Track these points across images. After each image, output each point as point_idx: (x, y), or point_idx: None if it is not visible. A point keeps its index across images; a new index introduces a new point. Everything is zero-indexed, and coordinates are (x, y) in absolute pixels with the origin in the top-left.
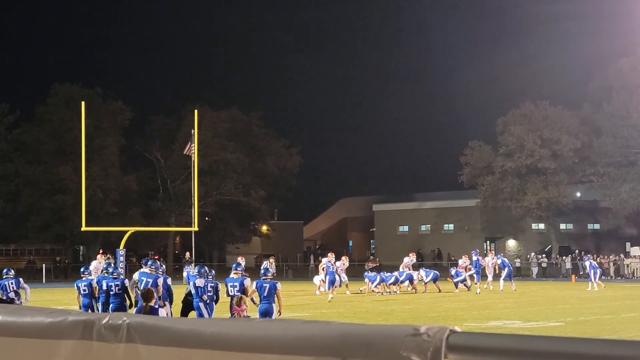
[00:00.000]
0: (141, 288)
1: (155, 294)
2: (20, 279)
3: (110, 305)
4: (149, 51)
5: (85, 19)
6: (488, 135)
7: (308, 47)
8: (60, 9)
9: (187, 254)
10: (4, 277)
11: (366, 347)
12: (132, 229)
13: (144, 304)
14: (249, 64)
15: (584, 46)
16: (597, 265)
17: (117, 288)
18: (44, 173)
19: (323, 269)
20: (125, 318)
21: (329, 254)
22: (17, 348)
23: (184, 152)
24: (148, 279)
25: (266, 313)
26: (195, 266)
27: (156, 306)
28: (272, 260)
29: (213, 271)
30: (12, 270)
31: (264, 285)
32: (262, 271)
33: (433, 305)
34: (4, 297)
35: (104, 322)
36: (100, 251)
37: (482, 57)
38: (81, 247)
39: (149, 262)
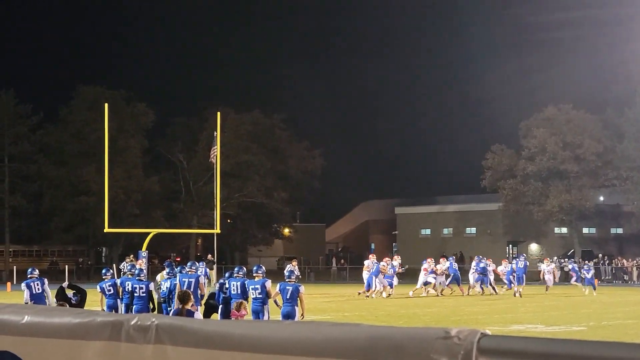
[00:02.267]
0: (183, 288)
1: (192, 297)
2: (45, 280)
3: (134, 307)
4: (173, 53)
5: (109, 21)
6: (510, 139)
7: (331, 50)
8: (85, 10)
9: (209, 255)
10: (29, 276)
11: (396, 350)
12: (154, 231)
13: (181, 306)
14: (271, 66)
15: (607, 51)
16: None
17: (141, 291)
18: (67, 174)
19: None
20: (154, 319)
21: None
22: (46, 349)
23: (209, 159)
24: (190, 280)
25: (289, 316)
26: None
27: (192, 309)
28: (294, 263)
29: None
30: (37, 270)
31: (287, 287)
32: (286, 274)
33: (455, 309)
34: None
35: (132, 323)
36: (131, 256)
37: (505, 61)
38: (104, 249)
39: (189, 263)
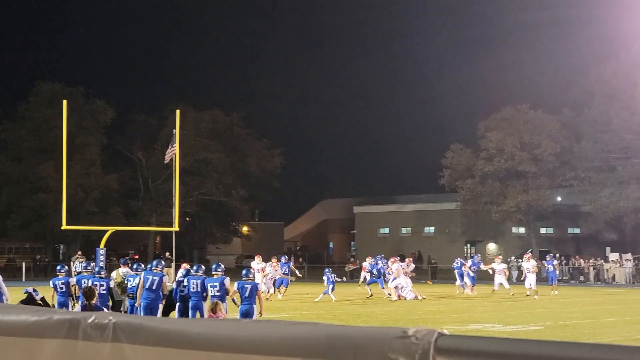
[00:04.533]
0: (147, 286)
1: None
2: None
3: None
4: (132, 50)
5: (68, 17)
6: (469, 138)
7: (291, 49)
8: (43, 7)
9: (167, 253)
10: None
11: (354, 349)
12: (112, 229)
13: (87, 302)
14: (231, 64)
15: (566, 52)
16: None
17: (102, 288)
18: (24, 171)
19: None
20: (111, 317)
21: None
22: (2, 347)
23: (165, 160)
24: (154, 278)
25: (247, 314)
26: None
27: (98, 304)
28: (257, 258)
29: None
30: None
31: (245, 286)
32: (244, 272)
33: (413, 308)
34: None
35: (89, 321)
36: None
37: (464, 62)
38: (61, 246)
39: (155, 262)
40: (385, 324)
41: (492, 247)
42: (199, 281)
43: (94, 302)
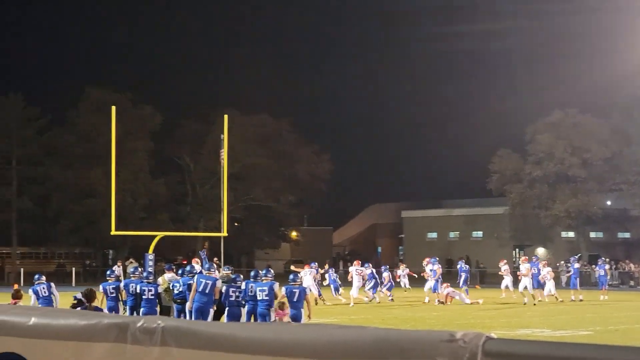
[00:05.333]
0: (199, 289)
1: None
2: (52, 284)
3: (142, 310)
4: (180, 55)
5: (116, 24)
6: (516, 143)
7: (338, 53)
8: (92, 13)
9: (215, 259)
10: (36, 282)
11: (401, 353)
12: (161, 234)
13: (87, 304)
14: (279, 69)
15: (614, 55)
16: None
17: (150, 293)
18: (74, 177)
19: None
20: (160, 322)
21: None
22: (52, 350)
23: (220, 161)
24: (207, 281)
25: (295, 318)
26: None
27: (99, 306)
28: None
29: (241, 276)
30: (44, 277)
31: (294, 290)
32: (291, 277)
33: (461, 313)
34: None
35: (138, 325)
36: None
37: (512, 65)
38: (110, 251)
39: (206, 266)
40: (433, 328)
41: (540, 251)
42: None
43: (95, 304)
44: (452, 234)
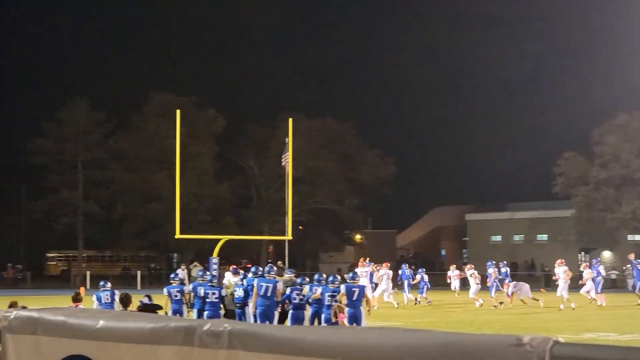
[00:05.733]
0: (261, 293)
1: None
2: (116, 291)
3: (206, 313)
4: (243, 59)
5: (180, 28)
6: (581, 145)
7: (401, 56)
8: (155, 17)
9: (279, 262)
10: (101, 289)
11: (468, 357)
12: (225, 237)
13: (124, 309)
14: (343, 72)
15: None
16: None
17: (214, 296)
18: (139, 181)
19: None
20: (226, 325)
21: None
22: (120, 352)
23: (282, 164)
24: (268, 284)
25: (355, 317)
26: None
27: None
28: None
29: (307, 279)
30: (109, 283)
31: (353, 289)
32: (350, 275)
33: (525, 316)
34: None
35: (205, 328)
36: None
37: (576, 66)
38: (175, 255)
39: (267, 268)
40: (499, 332)
41: (606, 254)
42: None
43: (129, 309)
44: (516, 237)
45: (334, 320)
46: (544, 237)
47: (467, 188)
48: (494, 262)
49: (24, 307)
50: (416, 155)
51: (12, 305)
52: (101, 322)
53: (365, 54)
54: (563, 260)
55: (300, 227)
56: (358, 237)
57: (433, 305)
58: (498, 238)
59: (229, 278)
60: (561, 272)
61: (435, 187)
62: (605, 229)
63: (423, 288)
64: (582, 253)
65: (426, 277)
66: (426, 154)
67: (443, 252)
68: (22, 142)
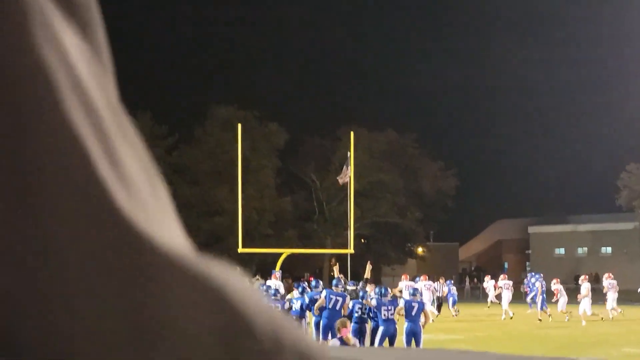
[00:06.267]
0: (329, 306)
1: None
2: None
3: None
4: (304, 73)
5: (240, 41)
6: None
7: (463, 72)
8: (216, 32)
9: (341, 275)
10: None
11: None
12: (287, 251)
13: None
14: (404, 85)
15: None
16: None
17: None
18: (201, 194)
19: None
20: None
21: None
22: None
23: (339, 183)
24: (338, 298)
25: (414, 333)
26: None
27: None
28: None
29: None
30: None
31: (413, 304)
32: (410, 291)
33: (588, 329)
34: None
35: None
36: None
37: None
38: (238, 268)
39: (334, 282)
40: (562, 347)
41: None
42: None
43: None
44: (580, 250)
45: (338, 335)
46: (609, 249)
47: (530, 200)
48: (541, 274)
49: None
50: (478, 168)
51: None
52: None
53: (424, 69)
54: (611, 274)
55: (363, 240)
56: (420, 250)
57: (490, 319)
58: (561, 251)
59: (292, 292)
60: (584, 289)
61: (497, 199)
62: None
63: (449, 300)
64: None
65: (453, 289)
66: (488, 166)
67: (506, 265)
68: None
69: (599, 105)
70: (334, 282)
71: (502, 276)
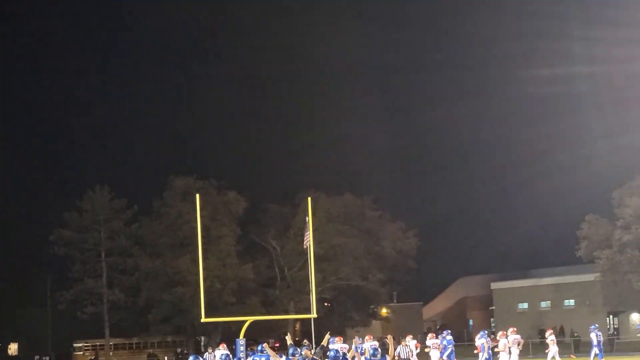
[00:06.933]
0: None
1: None
2: None
3: None
4: (260, 141)
5: (197, 113)
6: (603, 208)
7: (417, 129)
8: (172, 104)
9: (305, 340)
10: None
11: None
12: (251, 318)
13: None
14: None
15: None
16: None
17: None
18: (162, 266)
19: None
20: None
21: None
22: None
23: (304, 245)
24: None
25: None
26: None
27: None
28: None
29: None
30: None
31: None
32: (370, 352)
33: None
34: None
35: None
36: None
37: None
38: (202, 338)
39: (291, 350)
40: None
41: (635, 317)
42: None
43: None
44: (543, 304)
45: None
46: (571, 302)
47: (491, 256)
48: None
49: None
50: (438, 227)
51: None
52: None
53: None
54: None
55: (326, 304)
56: (384, 311)
57: None
58: (525, 305)
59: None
60: (501, 344)
61: (458, 257)
62: (632, 291)
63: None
64: (611, 317)
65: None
66: (447, 224)
67: (471, 322)
68: (45, 234)
69: (557, 160)
70: (291, 350)
71: (430, 335)
